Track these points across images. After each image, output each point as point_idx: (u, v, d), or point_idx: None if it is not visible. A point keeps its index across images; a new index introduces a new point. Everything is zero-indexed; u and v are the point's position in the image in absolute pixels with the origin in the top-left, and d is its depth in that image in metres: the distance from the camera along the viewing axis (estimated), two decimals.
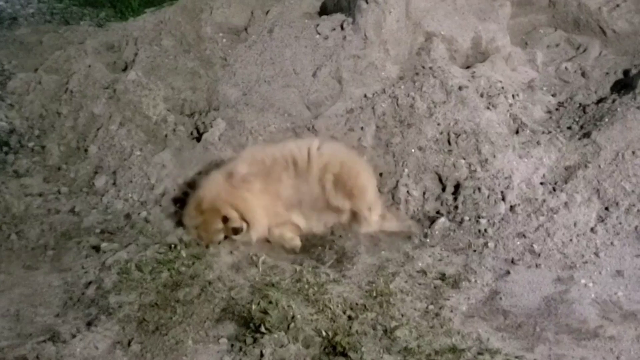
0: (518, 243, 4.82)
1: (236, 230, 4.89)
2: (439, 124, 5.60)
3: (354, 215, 5.12)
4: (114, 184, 5.61)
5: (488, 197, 5.14)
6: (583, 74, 6.46)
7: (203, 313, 4.25)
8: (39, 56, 6.84)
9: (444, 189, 5.38)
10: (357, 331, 4.04)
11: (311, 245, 5.02)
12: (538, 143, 5.42)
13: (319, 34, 6.35)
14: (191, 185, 5.38)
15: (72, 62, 6.53)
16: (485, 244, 4.86)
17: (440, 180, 5.42)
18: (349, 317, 4.17)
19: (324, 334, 4.00)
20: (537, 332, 4.06)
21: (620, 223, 4.81)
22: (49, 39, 7.01)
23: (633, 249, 4.64)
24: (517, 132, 5.62)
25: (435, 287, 4.51)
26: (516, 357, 3.82)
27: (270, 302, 4.20)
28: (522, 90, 6.11)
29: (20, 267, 4.90)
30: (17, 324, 4.31)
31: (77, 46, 6.74)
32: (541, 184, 5.17)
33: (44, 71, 6.52)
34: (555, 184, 5.14)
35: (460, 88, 5.76)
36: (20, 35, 7.11)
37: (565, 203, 4.97)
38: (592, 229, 4.81)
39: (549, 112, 6.02)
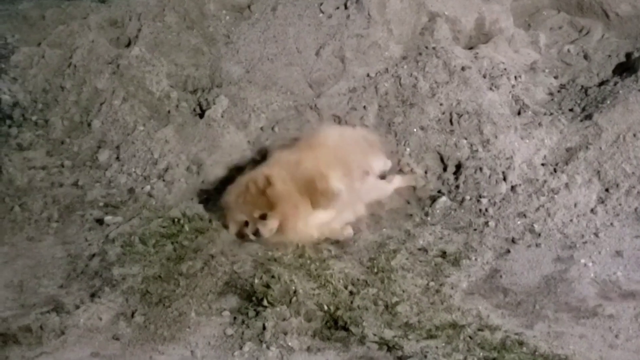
0: (519, 223, 4.86)
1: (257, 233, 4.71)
2: (441, 104, 5.63)
3: None
4: (118, 158, 5.62)
5: (489, 177, 5.17)
6: (585, 57, 6.47)
7: (206, 286, 4.28)
8: (42, 31, 6.81)
9: (445, 169, 5.41)
10: (358, 306, 4.08)
11: None
12: (540, 124, 5.45)
13: (322, 12, 6.35)
14: None
15: (76, 37, 6.51)
16: (486, 223, 4.89)
17: (441, 159, 5.45)
18: (351, 292, 4.21)
19: (325, 308, 4.04)
20: (537, 309, 4.10)
21: (620, 204, 4.84)
22: (52, 13, 6.97)
23: (632, 230, 4.67)
24: (519, 113, 5.64)
25: (435, 265, 4.54)
26: (516, 333, 3.86)
27: (273, 277, 4.24)
28: (524, 72, 6.13)
29: (24, 239, 4.92)
30: (20, 295, 4.34)
31: (80, 21, 6.70)
32: (542, 164, 5.20)
33: (48, 45, 6.50)
34: (556, 165, 5.17)
35: (463, 69, 5.77)
36: (23, 10, 7.07)
37: (566, 184, 5.00)
38: (592, 210, 4.85)
39: (551, 94, 6.04)
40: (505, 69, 5.92)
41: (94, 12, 6.86)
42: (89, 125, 5.94)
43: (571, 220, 4.80)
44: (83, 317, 4.05)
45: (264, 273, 4.30)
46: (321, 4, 6.38)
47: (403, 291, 4.24)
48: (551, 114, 5.60)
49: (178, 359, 3.81)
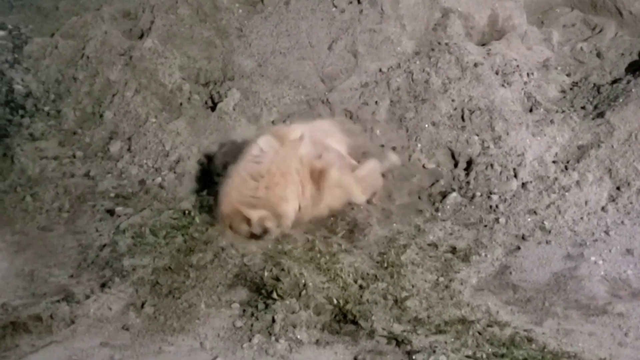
0: (529, 219, 4.84)
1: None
2: (453, 100, 5.63)
3: None
4: (129, 149, 5.64)
5: (500, 173, 5.16)
6: (598, 55, 6.46)
7: (216, 278, 4.29)
8: (55, 21, 6.86)
9: (456, 165, 5.41)
10: (367, 300, 4.08)
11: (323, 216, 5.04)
12: (552, 122, 5.43)
13: (335, 6, 6.35)
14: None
15: (89, 28, 6.55)
16: (496, 220, 4.88)
17: (453, 155, 5.45)
18: (360, 287, 4.21)
19: (335, 301, 4.04)
20: (546, 306, 4.09)
21: (631, 203, 4.82)
22: (66, 4, 7.02)
23: None
24: (531, 110, 5.63)
25: (445, 260, 4.53)
26: (525, 330, 3.86)
27: (283, 270, 4.24)
28: (537, 69, 6.11)
29: (35, 229, 4.95)
30: (31, 284, 4.37)
31: (93, 12, 6.75)
32: (553, 162, 5.19)
33: (61, 36, 6.54)
34: (568, 162, 5.15)
35: (475, 65, 5.77)
36: (37, 0, 7.12)
37: (577, 181, 4.99)
38: (603, 208, 4.83)
39: (563, 91, 6.03)
40: (517, 66, 5.90)
41: (107, 4, 6.92)
42: (101, 116, 5.97)
43: (582, 218, 4.78)
44: (93, 307, 4.06)
45: (273, 266, 4.30)
46: None
47: (412, 286, 4.24)
48: (563, 111, 5.58)
49: (187, 350, 3.81)
